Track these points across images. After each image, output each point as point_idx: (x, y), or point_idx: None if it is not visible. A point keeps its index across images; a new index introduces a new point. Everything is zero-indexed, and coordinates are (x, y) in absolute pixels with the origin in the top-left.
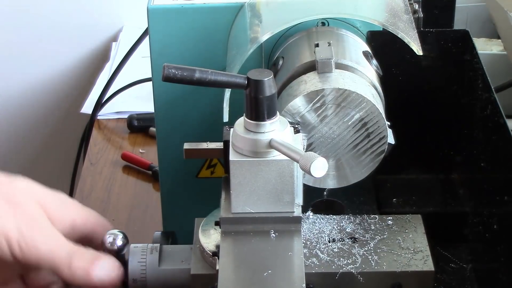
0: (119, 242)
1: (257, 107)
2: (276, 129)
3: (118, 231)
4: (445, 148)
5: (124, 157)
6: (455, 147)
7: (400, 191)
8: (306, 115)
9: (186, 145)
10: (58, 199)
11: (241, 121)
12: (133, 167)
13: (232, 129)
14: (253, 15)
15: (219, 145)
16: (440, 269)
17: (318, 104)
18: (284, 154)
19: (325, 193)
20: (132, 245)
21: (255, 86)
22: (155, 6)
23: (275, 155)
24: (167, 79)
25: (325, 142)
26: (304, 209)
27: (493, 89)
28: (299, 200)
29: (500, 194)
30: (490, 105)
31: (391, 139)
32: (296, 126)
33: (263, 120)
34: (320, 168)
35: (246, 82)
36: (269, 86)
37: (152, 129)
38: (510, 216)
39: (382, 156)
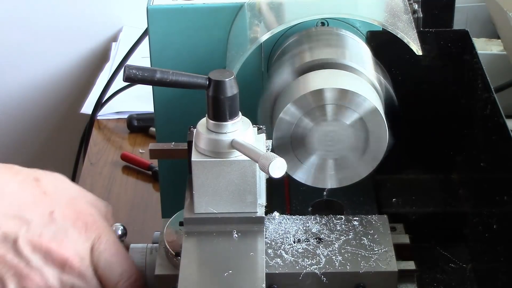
0: (119, 233)
1: (218, 107)
2: (238, 129)
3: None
4: (445, 148)
5: (124, 157)
6: (455, 147)
7: (400, 191)
8: (306, 116)
9: (152, 146)
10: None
11: (203, 121)
12: (133, 167)
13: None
14: (253, 15)
15: (184, 145)
16: (440, 269)
17: (318, 104)
18: (245, 154)
19: (325, 193)
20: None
21: (216, 86)
22: (155, 6)
23: (237, 156)
24: (128, 79)
25: (325, 142)
26: (304, 209)
27: (492, 89)
28: (262, 200)
29: (500, 194)
30: (490, 105)
31: (391, 139)
32: (261, 126)
33: (225, 120)
34: (278, 168)
35: (207, 82)
36: (231, 86)
37: (152, 129)
38: (510, 216)
39: (382, 156)
